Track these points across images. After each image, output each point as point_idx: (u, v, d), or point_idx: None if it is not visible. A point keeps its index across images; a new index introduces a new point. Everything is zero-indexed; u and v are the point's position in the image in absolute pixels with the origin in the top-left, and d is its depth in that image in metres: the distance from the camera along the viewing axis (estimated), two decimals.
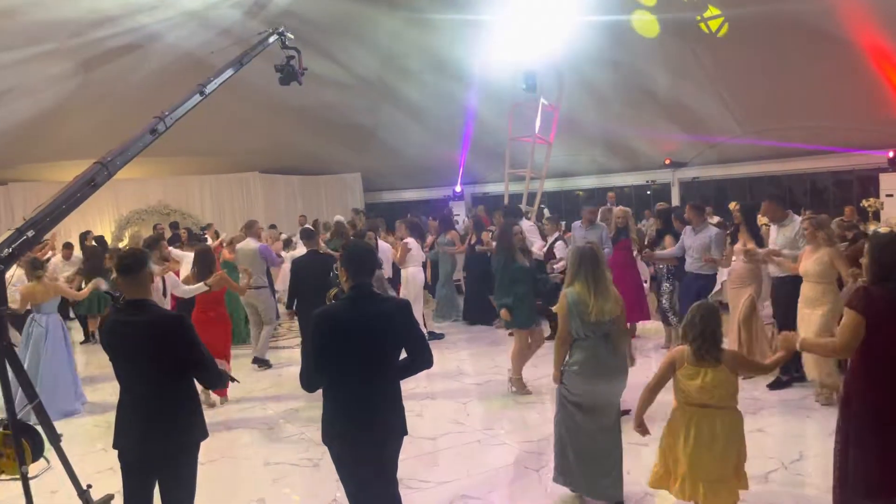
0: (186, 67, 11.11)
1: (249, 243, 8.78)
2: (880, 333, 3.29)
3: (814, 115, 12.04)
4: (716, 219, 9.70)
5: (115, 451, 3.33)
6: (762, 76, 11.84)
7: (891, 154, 11.86)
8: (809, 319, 5.90)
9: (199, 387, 3.43)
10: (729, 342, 6.87)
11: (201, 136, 14.22)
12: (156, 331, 3.21)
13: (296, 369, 7.61)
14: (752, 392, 6.31)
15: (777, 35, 10.78)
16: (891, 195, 11.55)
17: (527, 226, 9.17)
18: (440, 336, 9.67)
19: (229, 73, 6.27)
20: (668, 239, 7.79)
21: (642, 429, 3.80)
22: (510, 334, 7.83)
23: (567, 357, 4.36)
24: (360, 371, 3.14)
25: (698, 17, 11.13)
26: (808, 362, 6.04)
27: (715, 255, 7.03)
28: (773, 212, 6.62)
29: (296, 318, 7.83)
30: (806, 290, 6.00)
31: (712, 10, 11.00)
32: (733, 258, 6.80)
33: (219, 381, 3.49)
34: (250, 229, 8.98)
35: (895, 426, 3.29)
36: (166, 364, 3.21)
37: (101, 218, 16.44)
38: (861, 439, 3.36)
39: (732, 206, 10.09)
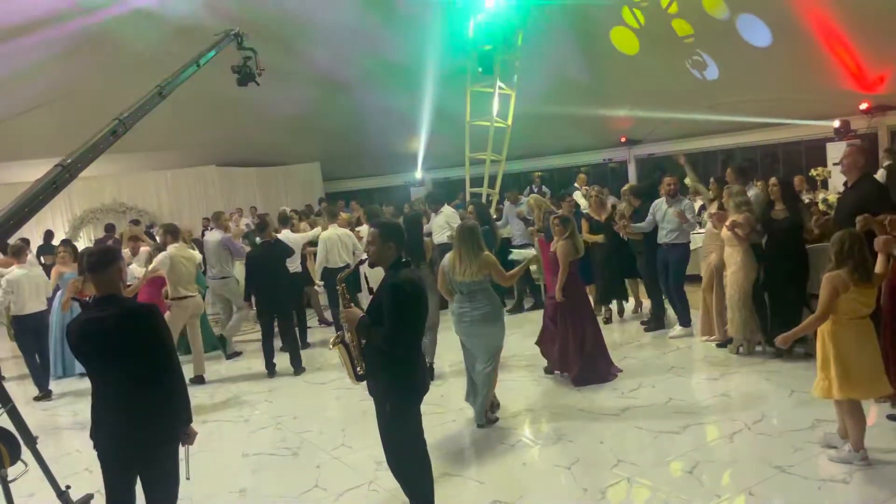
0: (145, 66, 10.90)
1: (214, 234, 8.84)
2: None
3: (764, 88, 12.36)
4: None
5: (92, 453, 3.31)
6: (714, 53, 12.11)
7: (836, 124, 12.22)
8: (728, 279, 6.63)
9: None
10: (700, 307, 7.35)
11: (155, 132, 13.90)
12: (128, 322, 3.22)
13: (261, 362, 7.70)
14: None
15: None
16: (837, 164, 11.88)
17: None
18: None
19: (187, 73, 6.25)
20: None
21: (787, 342, 4.48)
22: None
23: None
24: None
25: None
26: (734, 322, 6.59)
27: (688, 217, 7.35)
28: (733, 180, 7.17)
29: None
30: (724, 253, 6.70)
31: None
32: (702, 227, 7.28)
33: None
34: (216, 220, 9.09)
35: None
36: (140, 354, 3.20)
37: (55, 218, 16.02)
38: None
39: (687, 180, 10.27)
